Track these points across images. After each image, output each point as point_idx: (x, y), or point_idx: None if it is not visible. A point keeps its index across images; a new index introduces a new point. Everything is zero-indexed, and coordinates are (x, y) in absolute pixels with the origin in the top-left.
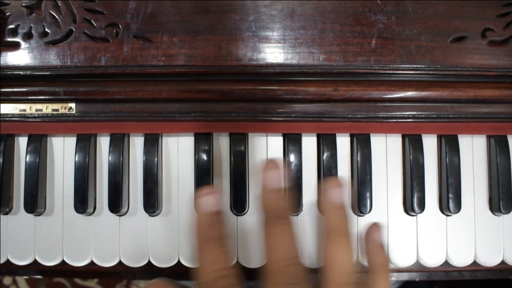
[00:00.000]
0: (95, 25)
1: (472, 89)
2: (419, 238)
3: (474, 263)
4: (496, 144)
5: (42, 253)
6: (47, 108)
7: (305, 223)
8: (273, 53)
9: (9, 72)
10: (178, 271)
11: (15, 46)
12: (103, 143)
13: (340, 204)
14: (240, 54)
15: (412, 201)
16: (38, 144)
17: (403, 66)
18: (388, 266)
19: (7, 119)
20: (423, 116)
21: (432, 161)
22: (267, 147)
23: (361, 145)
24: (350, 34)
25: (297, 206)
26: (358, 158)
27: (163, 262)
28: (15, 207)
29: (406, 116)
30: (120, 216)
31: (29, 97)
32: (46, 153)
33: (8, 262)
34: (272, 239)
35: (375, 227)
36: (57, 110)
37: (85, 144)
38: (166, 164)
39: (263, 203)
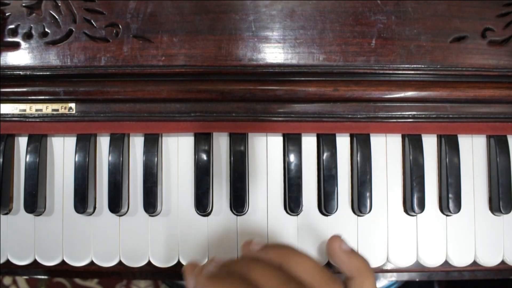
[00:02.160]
0: (95, 25)
1: (472, 89)
2: (419, 238)
3: (474, 263)
4: (496, 144)
5: (42, 253)
6: (47, 108)
7: (305, 223)
8: (273, 53)
9: (9, 72)
10: (178, 271)
11: (15, 46)
12: (103, 143)
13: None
14: (240, 54)
15: (412, 201)
16: (38, 144)
17: (403, 66)
18: (367, 266)
19: (7, 119)
20: (423, 116)
21: (432, 161)
22: (267, 147)
23: (361, 145)
24: (350, 34)
25: (297, 206)
26: (358, 158)
27: (163, 262)
28: (15, 207)
29: (406, 116)
30: (120, 216)
31: (29, 97)
32: (46, 153)
33: (8, 262)
34: None
35: (334, 238)
36: (57, 110)
37: (85, 144)
38: (166, 164)
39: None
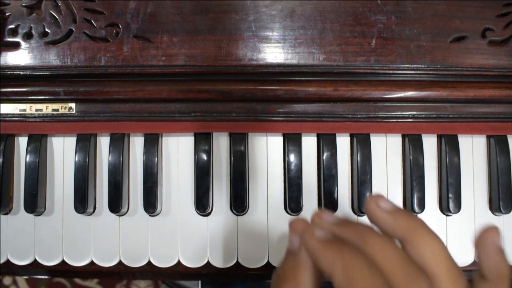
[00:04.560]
0: (95, 25)
1: (472, 89)
2: None
3: (474, 263)
4: (496, 144)
5: (42, 253)
6: (47, 108)
7: None
8: (273, 53)
9: (9, 72)
10: (178, 271)
11: (15, 46)
12: (103, 143)
13: None
14: (240, 54)
15: (412, 201)
16: (38, 144)
17: (403, 66)
18: (508, 277)
19: (7, 119)
20: (423, 116)
21: (432, 161)
22: (267, 147)
23: (361, 145)
24: (350, 34)
25: (297, 206)
26: (358, 158)
27: (163, 262)
28: (15, 207)
29: (406, 116)
30: (120, 216)
31: (29, 97)
32: (46, 153)
33: (8, 262)
34: None
35: (493, 230)
36: (57, 110)
37: (85, 144)
38: (166, 164)
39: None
